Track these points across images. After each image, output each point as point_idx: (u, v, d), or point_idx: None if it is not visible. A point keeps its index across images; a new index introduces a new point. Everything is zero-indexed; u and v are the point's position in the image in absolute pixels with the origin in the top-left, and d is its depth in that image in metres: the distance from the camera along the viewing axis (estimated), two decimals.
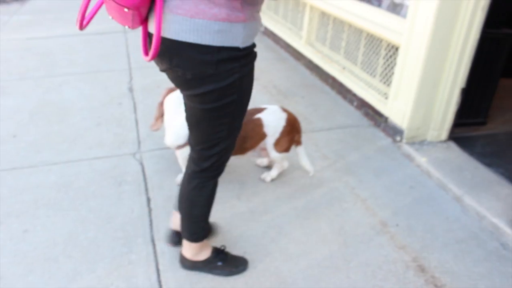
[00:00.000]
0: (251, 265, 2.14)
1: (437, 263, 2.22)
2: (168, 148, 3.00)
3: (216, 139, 1.70)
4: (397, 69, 3.23)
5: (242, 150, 2.59)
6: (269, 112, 2.60)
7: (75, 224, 2.37)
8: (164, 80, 4.29)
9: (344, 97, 4.03)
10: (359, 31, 3.83)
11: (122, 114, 3.63)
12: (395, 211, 2.58)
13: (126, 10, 1.35)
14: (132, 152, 3.08)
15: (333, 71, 4.14)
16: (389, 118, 3.37)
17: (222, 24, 1.40)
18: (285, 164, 2.79)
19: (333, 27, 4.28)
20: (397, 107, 3.24)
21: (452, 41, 2.93)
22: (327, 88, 4.29)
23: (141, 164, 2.93)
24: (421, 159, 3.05)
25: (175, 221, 2.18)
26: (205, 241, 2.05)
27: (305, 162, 2.76)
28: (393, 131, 3.34)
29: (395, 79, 3.25)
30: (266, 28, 5.99)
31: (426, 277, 2.13)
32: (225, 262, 2.09)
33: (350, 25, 3.95)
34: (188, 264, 2.09)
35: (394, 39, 3.27)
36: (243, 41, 1.47)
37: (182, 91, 1.62)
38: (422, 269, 2.18)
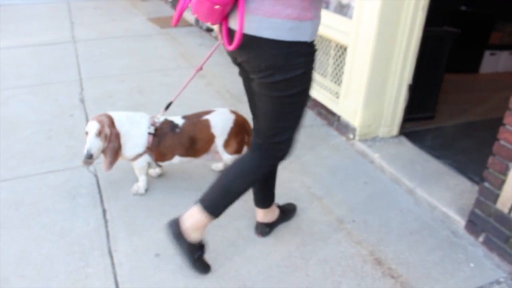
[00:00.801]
0: (210, 269, 2.14)
1: (393, 255, 2.29)
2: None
3: (280, 128, 1.89)
4: (346, 69, 3.31)
5: (195, 153, 2.62)
6: (216, 113, 2.63)
7: (28, 242, 2.30)
8: (115, 90, 4.24)
9: None
10: None
11: (74, 126, 3.54)
12: (351, 208, 2.64)
13: (216, 7, 1.59)
14: None
15: None
16: (342, 117, 3.44)
17: (294, 23, 1.64)
18: None
19: None
20: (348, 105, 3.32)
21: (397, 40, 3.02)
22: None
23: (96, 176, 2.88)
24: (374, 155, 3.13)
25: (259, 215, 2.37)
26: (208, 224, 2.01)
27: None
28: (346, 129, 3.41)
29: (345, 78, 3.33)
30: None
31: (383, 269, 2.19)
32: (201, 256, 2.08)
33: None
34: (177, 231, 1.99)
35: (342, 39, 3.35)
36: (310, 36, 1.72)
37: (257, 79, 1.80)
38: (379, 262, 2.23)
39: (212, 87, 4.32)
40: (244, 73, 1.96)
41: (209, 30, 6.39)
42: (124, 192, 2.70)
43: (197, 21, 6.82)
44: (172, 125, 2.56)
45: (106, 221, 2.47)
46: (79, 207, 2.58)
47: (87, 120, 3.62)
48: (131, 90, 4.28)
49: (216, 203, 1.97)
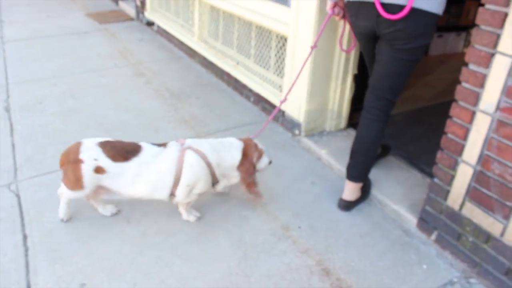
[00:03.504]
0: None
1: (342, 263, 2.12)
2: (49, 173, 2.71)
3: (401, 88, 2.26)
4: (288, 61, 3.11)
5: None
6: None
7: None
8: (45, 95, 3.90)
9: (241, 93, 3.87)
10: (248, 24, 3.68)
11: None
12: (297, 212, 2.46)
13: None
14: (6, 183, 2.70)
15: (228, 67, 3.96)
16: (286, 112, 3.25)
17: None
18: None
19: (223, 22, 4.09)
20: (292, 100, 3.12)
21: (339, 28, 2.85)
22: (223, 85, 4.11)
23: (17, 196, 2.58)
24: (321, 151, 2.96)
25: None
26: None
27: None
28: (292, 125, 3.23)
29: (287, 71, 3.14)
30: (158, 27, 5.69)
31: (332, 281, 2.02)
32: (364, 186, 2.54)
33: (239, 19, 3.79)
34: (352, 206, 2.50)
35: (281, 30, 3.15)
36: (442, 11, 2.03)
37: (400, 45, 2.08)
38: (327, 272, 2.07)
39: (150, 86, 4.04)
40: (371, 43, 2.25)
41: (150, 24, 6.07)
42: (49, 213, 2.41)
43: (137, 14, 6.47)
44: None
45: (26, 249, 2.19)
46: None
47: (11, 131, 3.29)
48: (63, 94, 3.95)
49: (368, 171, 2.47)
